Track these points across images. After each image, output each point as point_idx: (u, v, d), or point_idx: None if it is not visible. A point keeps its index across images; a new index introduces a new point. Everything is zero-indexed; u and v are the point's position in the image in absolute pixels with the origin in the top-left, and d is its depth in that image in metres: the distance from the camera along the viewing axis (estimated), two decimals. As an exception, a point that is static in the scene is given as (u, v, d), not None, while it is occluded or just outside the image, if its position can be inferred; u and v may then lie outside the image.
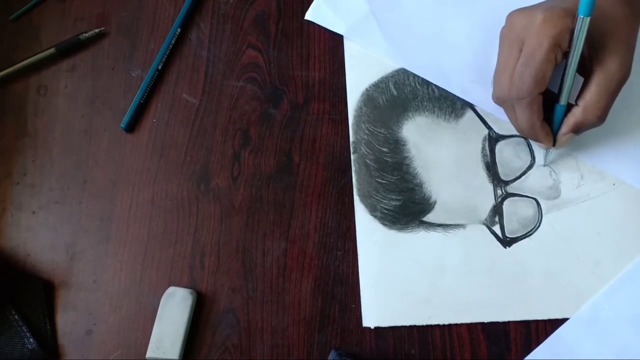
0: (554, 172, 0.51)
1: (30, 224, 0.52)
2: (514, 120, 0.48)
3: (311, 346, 0.48)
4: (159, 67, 0.55)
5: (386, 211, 0.50)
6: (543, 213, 0.50)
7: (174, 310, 0.47)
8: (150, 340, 0.47)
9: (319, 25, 0.56)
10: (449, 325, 0.48)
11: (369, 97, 0.54)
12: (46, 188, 0.53)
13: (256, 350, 0.48)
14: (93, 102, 0.55)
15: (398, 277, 0.49)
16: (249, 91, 0.55)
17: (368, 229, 0.50)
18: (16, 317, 0.48)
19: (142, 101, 0.54)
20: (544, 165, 0.51)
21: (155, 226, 0.51)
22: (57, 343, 0.48)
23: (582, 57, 0.45)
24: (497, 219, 0.50)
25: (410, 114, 0.53)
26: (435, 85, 0.53)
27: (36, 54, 0.56)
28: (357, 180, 0.52)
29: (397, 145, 0.52)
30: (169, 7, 0.58)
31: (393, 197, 0.51)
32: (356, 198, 0.51)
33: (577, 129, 0.46)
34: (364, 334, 0.48)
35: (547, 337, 0.47)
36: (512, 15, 0.47)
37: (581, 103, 0.45)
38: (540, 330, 0.47)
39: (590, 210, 0.50)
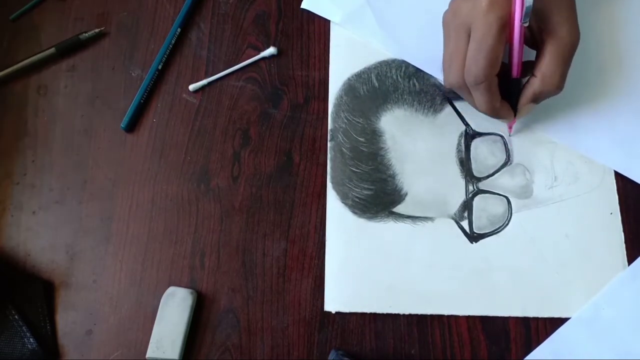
0: (528, 171, 0.51)
1: (30, 224, 0.52)
2: (472, 103, 0.49)
3: (311, 346, 0.48)
4: (159, 67, 0.55)
5: (357, 199, 0.51)
6: (513, 211, 0.50)
7: (174, 310, 0.47)
8: (150, 340, 0.47)
9: (319, 25, 0.56)
10: (449, 325, 0.48)
11: (350, 87, 0.54)
12: (46, 188, 0.53)
13: (256, 350, 0.48)
14: (93, 102, 0.55)
15: (363, 265, 0.49)
16: (249, 91, 0.55)
17: (338, 216, 0.50)
18: (16, 317, 0.48)
19: (142, 101, 0.54)
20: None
21: (155, 226, 0.51)
22: (57, 343, 0.48)
23: (531, 30, 0.47)
24: (466, 214, 0.50)
25: (389, 106, 0.53)
26: (417, 79, 0.54)
27: (36, 54, 0.56)
28: (332, 168, 0.52)
29: (373, 136, 0.52)
30: (169, 7, 0.58)
31: (365, 186, 0.51)
32: (329, 185, 0.51)
33: (537, 99, 0.48)
34: (363, 334, 0.48)
35: (547, 337, 0.47)
36: (455, 2, 0.47)
37: (538, 74, 0.47)
38: (540, 330, 0.47)
39: (561, 212, 0.50)
